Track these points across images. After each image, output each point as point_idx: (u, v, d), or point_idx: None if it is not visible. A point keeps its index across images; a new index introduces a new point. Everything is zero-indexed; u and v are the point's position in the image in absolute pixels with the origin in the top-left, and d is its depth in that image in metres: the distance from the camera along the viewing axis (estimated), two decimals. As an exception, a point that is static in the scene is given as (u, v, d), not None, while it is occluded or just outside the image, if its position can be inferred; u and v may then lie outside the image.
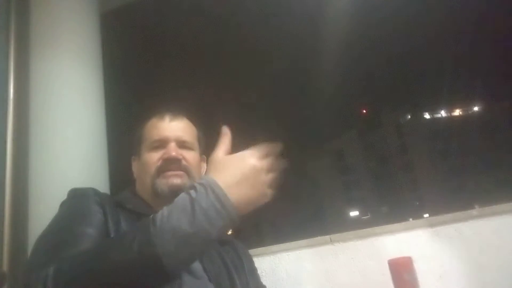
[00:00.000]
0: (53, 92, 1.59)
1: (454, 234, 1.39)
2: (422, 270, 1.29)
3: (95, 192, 0.98)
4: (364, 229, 1.47)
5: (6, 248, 1.37)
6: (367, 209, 44.29)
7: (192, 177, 1.02)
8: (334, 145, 46.62)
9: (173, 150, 1.02)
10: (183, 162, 1.03)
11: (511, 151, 36.17)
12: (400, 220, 1.59)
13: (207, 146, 1.14)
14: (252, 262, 1.16)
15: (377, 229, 1.46)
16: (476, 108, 42.36)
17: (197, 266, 0.94)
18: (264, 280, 1.38)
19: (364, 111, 49.74)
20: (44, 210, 1.26)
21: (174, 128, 1.07)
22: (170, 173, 1.01)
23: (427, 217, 1.52)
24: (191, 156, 1.06)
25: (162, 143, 1.04)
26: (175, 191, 0.92)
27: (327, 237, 1.48)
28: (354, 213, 44.39)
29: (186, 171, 1.03)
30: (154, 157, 1.03)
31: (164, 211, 0.67)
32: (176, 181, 1.00)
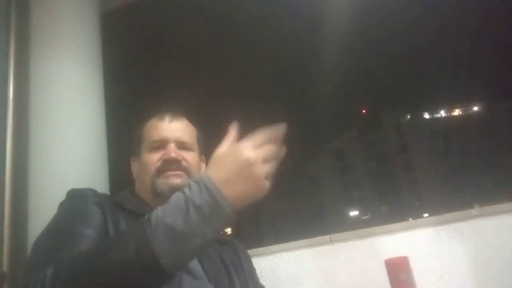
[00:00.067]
0: (53, 92, 1.59)
1: (454, 234, 1.39)
2: (422, 270, 1.29)
3: (94, 192, 0.98)
4: (364, 229, 1.47)
5: (6, 248, 1.37)
6: (367, 209, 44.26)
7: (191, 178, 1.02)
8: (334, 145, 46.59)
9: (172, 151, 1.03)
10: (183, 163, 1.03)
11: (511, 151, 36.16)
12: (400, 220, 1.59)
13: (207, 146, 1.14)
14: (251, 263, 1.16)
15: (377, 229, 1.46)
16: (476, 108, 42.36)
17: (196, 266, 0.94)
18: (264, 280, 1.38)
19: (364, 111, 49.75)
20: (44, 210, 1.26)
21: (173, 128, 1.07)
22: (170, 173, 1.01)
23: (427, 217, 1.52)
24: (190, 157, 1.06)
25: (161, 144, 1.04)
26: (175, 191, 0.92)
27: (327, 237, 1.48)
28: (354, 213, 44.37)
29: (186, 171, 1.03)
30: (153, 158, 1.03)
31: (159, 210, 0.67)
32: (176, 181, 1.00)
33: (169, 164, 1.01)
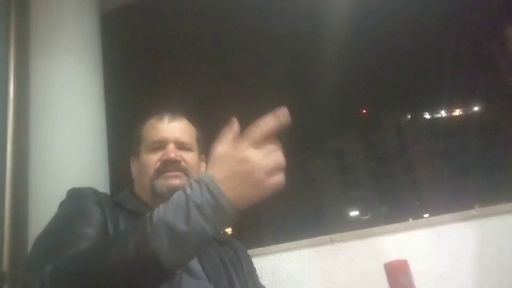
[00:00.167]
0: (53, 92, 1.59)
1: (454, 234, 1.39)
2: (422, 270, 1.29)
3: (94, 192, 0.98)
4: (364, 229, 1.47)
5: (6, 248, 1.37)
6: (367, 209, 44.29)
7: (191, 178, 1.02)
8: (334, 145, 46.61)
9: (172, 151, 1.02)
10: (182, 164, 1.03)
11: (511, 151, 36.16)
12: (400, 220, 1.59)
13: (206, 145, 1.14)
14: (251, 263, 1.16)
15: (377, 229, 1.46)
16: (476, 108, 42.36)
17: (196, 266, 0.94)
18: (264, 280, 1.38)
19: (364, 111, 49.77)
20: (44, 210, 1.26)
21: (173, 129, 1.07)
22: (169, 174, 1.01)
23: (427, 217, 1.52)
24: (190, 157, 1.06)
25: (161, 144, 1.04)
26: (174, 192, 0.92)
27: (327, 237, 1.48)
28: (354, 213, 44.38)
29: (185, 172, 1.03)
30: (153, 159, 1.03)
31: (160, 209, 0.67)
32: (175, 182, 1.00)
33: (168, 165, 1.01)
